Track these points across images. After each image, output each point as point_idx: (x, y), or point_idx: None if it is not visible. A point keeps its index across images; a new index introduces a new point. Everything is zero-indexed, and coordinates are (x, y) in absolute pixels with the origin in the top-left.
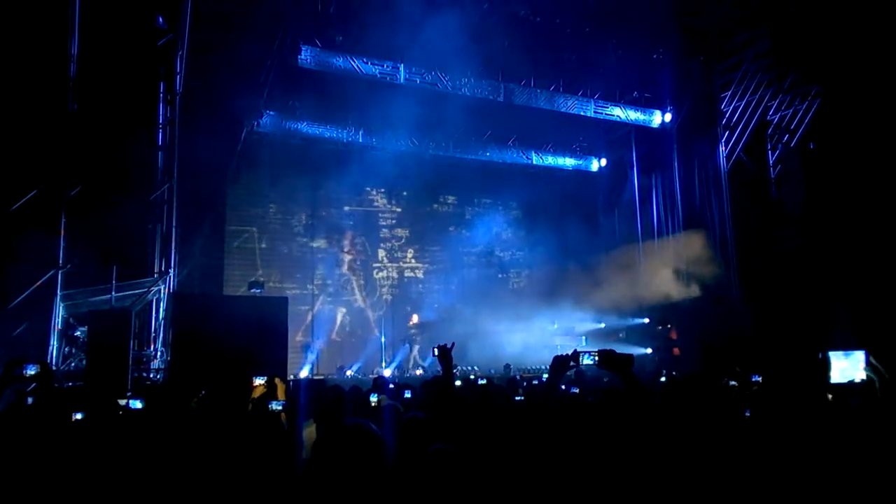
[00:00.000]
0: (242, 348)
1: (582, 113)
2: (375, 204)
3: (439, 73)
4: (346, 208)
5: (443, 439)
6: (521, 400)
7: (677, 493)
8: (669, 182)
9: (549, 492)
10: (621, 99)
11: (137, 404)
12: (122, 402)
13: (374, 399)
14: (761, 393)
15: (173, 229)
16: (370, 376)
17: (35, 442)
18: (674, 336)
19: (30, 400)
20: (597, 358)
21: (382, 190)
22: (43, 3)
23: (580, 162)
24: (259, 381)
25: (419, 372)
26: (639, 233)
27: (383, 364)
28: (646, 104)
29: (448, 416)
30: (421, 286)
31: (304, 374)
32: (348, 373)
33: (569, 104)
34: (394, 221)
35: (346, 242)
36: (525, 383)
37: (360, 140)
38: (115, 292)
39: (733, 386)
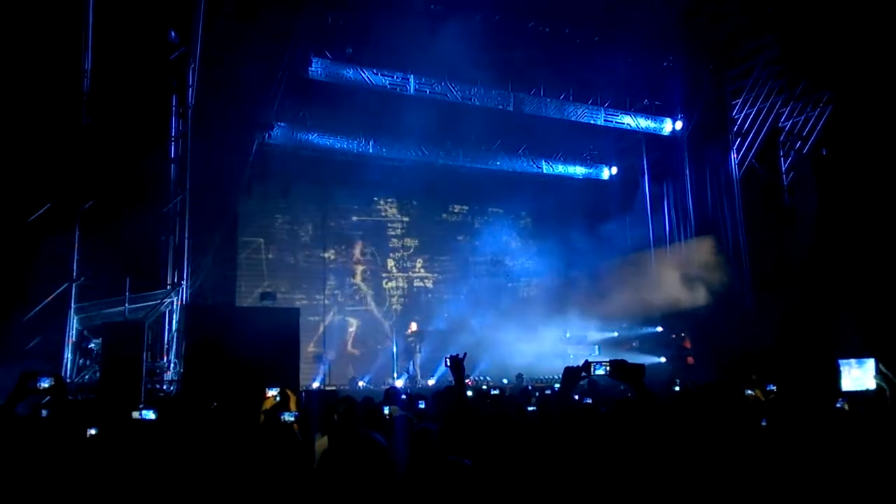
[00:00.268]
0: (255, 359)
1: (592, 121)
2: (385, 214)
3: (449, 84)
4: (356, 218)
5: (454, 451)
6: (533, 410)
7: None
8: (681, 190)
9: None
10: (632, 107)
11: (150, 415)
12: (136, 414)
13: (386, 410)
14: (777, 402)
15: (186, 241)
16: (382, 387)
17: (50, 454)
18: (688, 345)
19: (44, 413)
20: (608, 368)
21: (392, 200)
22: (56, 19)
23: (591, 170)
24: (272, 392)
25: (431, 382)
26: (651, 241)
27: (395, 375)
28: (656, 112)
29: (460, 427)
30: (430, 296)
31: (315, 385)
32: (360, 384)
33: (579, 113)
34: (403, 231)
35: (357, 253)
36: (537, 393)
37: (371, 150)
38: (129, 304)
39: (750, 395)
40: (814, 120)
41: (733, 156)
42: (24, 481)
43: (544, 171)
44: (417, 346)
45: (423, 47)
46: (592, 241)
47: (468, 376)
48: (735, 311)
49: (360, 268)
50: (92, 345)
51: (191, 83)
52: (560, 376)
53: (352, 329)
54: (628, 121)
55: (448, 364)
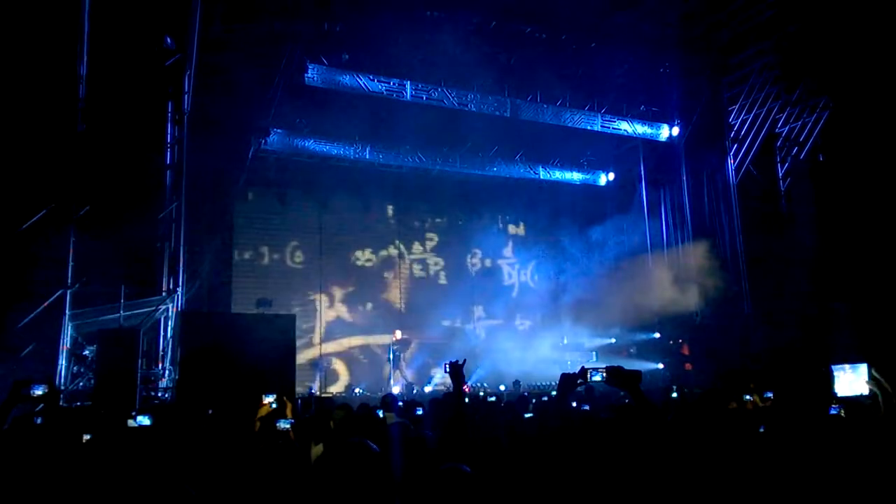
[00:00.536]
0: (251, 366)
1: (589, 127)
2: (382, 220)
3: (446, 90)
4: (353, 225)
5: (452, 457)
6: (530, 417)
7: None
8: (678, 196)
9: None
10: (628, 113)
11: (145, 420)
12: (131, 422)
13: (382, 416)
14: (775, 409)
15: (181, 247)
16: (378, 394)
17: (44, 462)
18: (685, 351)
19: (38, 420)
20: (605, 374)
21: (389, 206)
22: (52, 25)
23: (588, 176)
24: (268, 399)
25: (428, 389)
26: (648, 247)
27: (392, 381)
28: (653, 118)
29: (456, 433)
30: (426, 302)
31: (312, 391)
32: (357, 390)
33: (575, 119)
34: (400, 237)
35: (353, 259)
36: (534, 400)
37: (367, 157)
38: (124, 311)
39: (748, 401)
40: (810, 125)
41: (730, 161)
42: (19, 489)
43: (541, 176)
44: (402, 354)
45: (420, 53)
46: (589, 247)
47: (465, 383)
48: (732, 317)
49: (356, 274)
50: (86, 352)
51: (187, 89)
52: (557, 383)
53: (349, 336)
54: (625, 126)
55: (447, 370)
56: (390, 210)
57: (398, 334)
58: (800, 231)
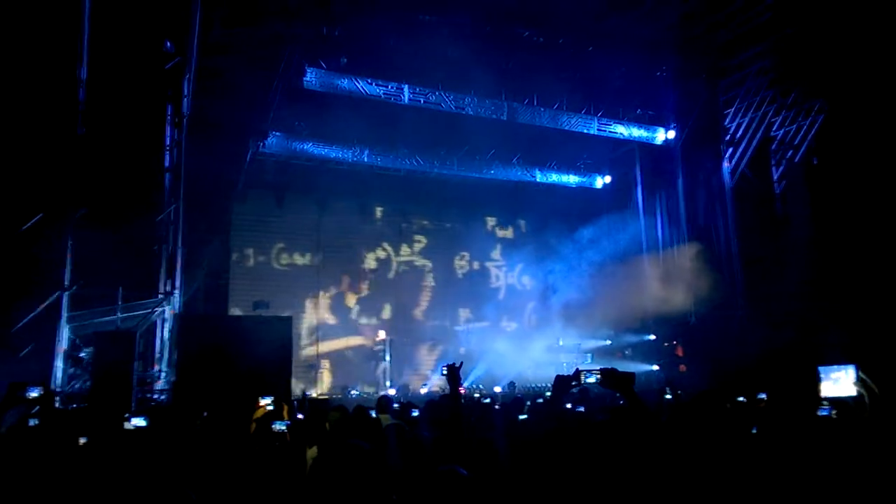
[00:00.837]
0: (247, 368)
1: (585, 130)
2: (379, 222)
3: (443, 93)
4: (350, 227)
5: (447, 459)
6: (524, 418)
7: None
8: (674, 198)
9: None
10: (625, 116)
11: (141, 422)
12: (127, 424)
13: (377, 418)
14: (767, 410)
15: (179, 250)
16: (374, 395)
17: (39, 463)
18: (680, 353)
19: (32, 422)
20: (599, 377)
21: (386, 209)
22: (52, 29)
23: (584, 179)
24: (265, 401)
25: (423, 390)
26: (644, 249)
27: (387, 383)
28: (649, 121)
29: (453, 435)
30: (422, 303)
31: (308, 393)
32: (353, 392)
33: (572, 122)
34: (396, 240)
35: (350, 261)
36: (529, 402)
37: (365, 159)
38: (121, 313)
39: (741, 402)
40: (805, 129)
41: (726, 164)
42: (15, 491)
43: (538, 179)
44: (384, 355)
45: (418, 57)
46: (585, 250)
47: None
48: (727, 318)
49: (352, 276)
50: (83, 353)
51: (186, 92)
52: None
53: (344, 338)
54: (621, 130)
55: (444, 373)
56: (387, 213)
57: (382, 334)
58: (794, 233)
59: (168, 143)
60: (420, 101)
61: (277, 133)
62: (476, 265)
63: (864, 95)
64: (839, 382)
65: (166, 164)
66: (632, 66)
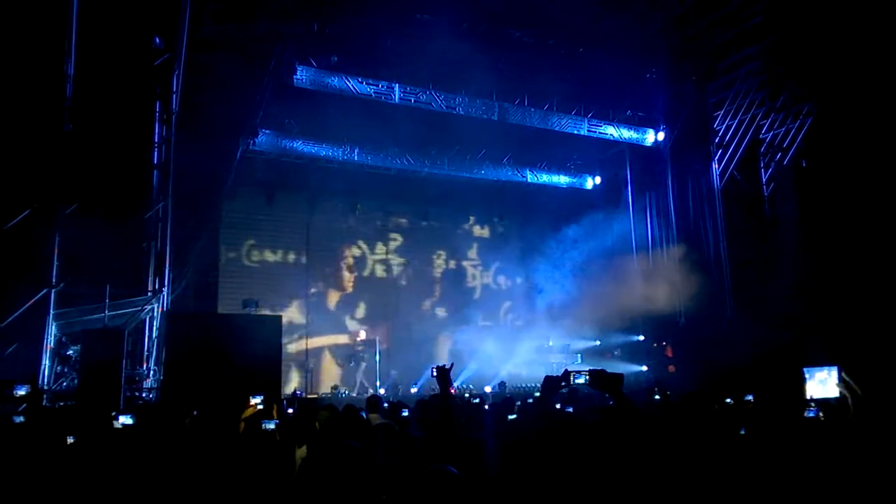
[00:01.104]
0: (236, 367)
1: (576, 131)
2: (369, 221)
3: (434, 93)
4: (340, 226)
5: (437, 459)
6: (514, 419)
7: None
8: (663, 200)
9: None
10: (615, 118)
11: (128, 420)
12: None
13: (366, 417)
14: (755, 411)
15: (167, 247)
16: (364, 395)
17: (24, 460)
18: (669, 353)
19: (17, 419)
20: (588, 378)
21: (377, 208)
22: (40, 23)
23: (575, 180)
24: (255, 399)
25: (414, 390)
26: (633, 250)
27: (378, 383)
28: (639, 123)
29: (443, 435)
30: (411, 302)
31: (297, 392)
32: (344, 391)
33: (562, 123)
34: (386, 239)
35: (339, 260)
36: (519, 402)
37: (356, 158)
38: (109, 311)
39: (728, 404)
40: (794, 132)
41: (715, 166)
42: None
43: (529, 180)
44: (364, 355)
45: (409, 56)
46: (575, 250)
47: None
48: (716, 320)
49: (342, 275)
50: (70, 352)
51: (175, 89)
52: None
53: (334, 337)
54: (611, 131)
55: (434, 374)
56: (378, 211)
57: (362, 334)
58: (782, 235)
59: (157, 139)
60: (411, 100)
61: (267, 131)
62: (473, 264)
63: (852, 99)
64: (823, 384)
65: (155, 161)
66: (622, 67)
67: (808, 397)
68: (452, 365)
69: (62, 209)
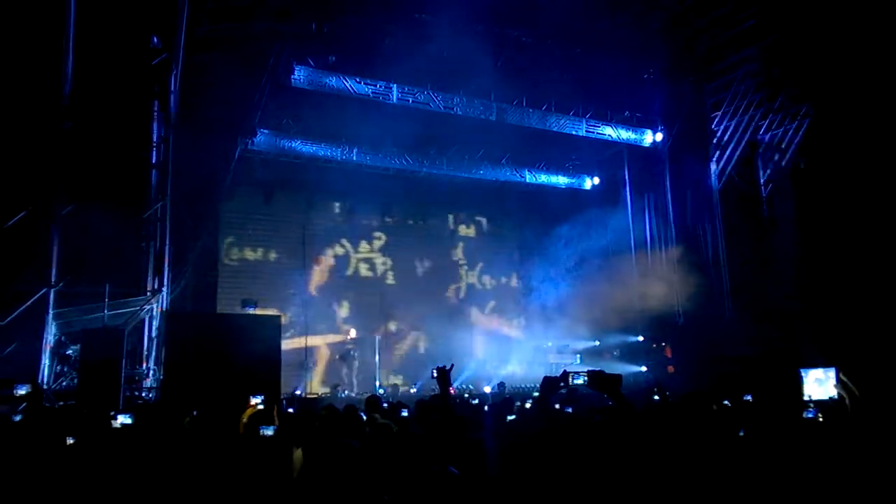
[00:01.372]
0: (236, 367)
1: (574, 132)
2: (367, 221)
3: (432, 93)
4: (338, 225)
5: (437, 459)
6: (512, 419)
7: None
8: (662, 200)
9: None
10: (613, 118)
11: (126, 419)
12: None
13: (366, 418)
14: (754, 412)
15: (166, 247)
16: (364, 395)
17: (23, 458)
18: (668, 354)
19: (16, 417)
20: (586, 378)
21: (374, 207)
22: (38, 22)
23: (573, 180)
24: (255, 399)
25: (413, 390)
26: (632, 250)
27: (378, 383)
28: (637, 124)
29: (443, 435)
30: (409, 302)
31: (297, 392)
32: (345, 392)
33: (560, 123)
34: (385, 239)
35: (338, 260)
36: (518, 402)
37: (354, 158)
38: (108, 310)
39: (726, 405)
40: (792, 133)
41: (713, 167)
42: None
43: (527, 180)
44: (355, 354)
45: (407, 56)
46: (574, 251)
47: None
48: (714, 320)
49: (340, 274)
50: (70, 351)
51: (173, 89)
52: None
53: (333, 337)
54: (609, 132)
55: (435, 375)
56: (376, 211)
57: (352, 332)
58: (780, 236)
59: (155, 139)
60: (408, 100)
61: (265, 130)
62: (472, 264)
63: (850, 100)
64: (821, 384)
65: (153, 160)
66: (620, 68)
67: (806, 398)
68: (452, 366)
69: (61, 208)
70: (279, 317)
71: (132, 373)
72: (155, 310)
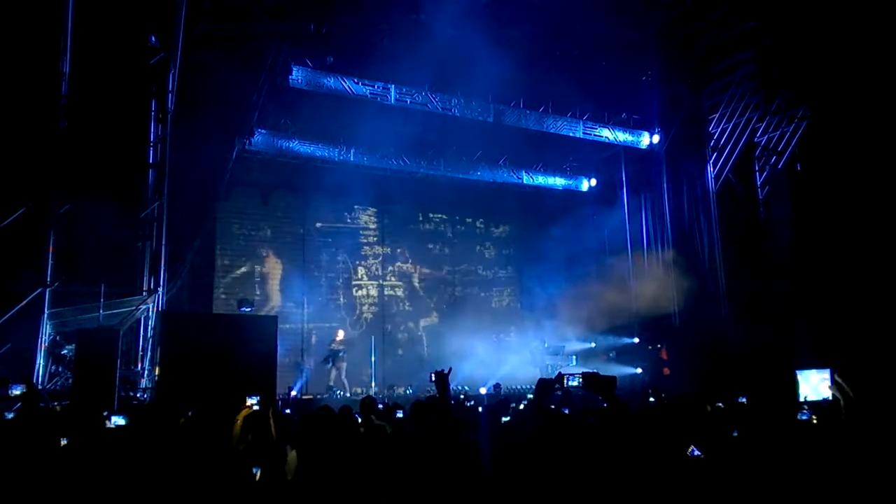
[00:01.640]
0: (232, 368)
1: (571, 134)
2: (364, 222)
3: (430, 94)
4: (336, 226)
5: (432, 460)
6: (507, 420)
7: None
8: (659, 202)
9: None
10: (610, 120)
11: (120, 420)
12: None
13: (361, 420)
14: (748, 413)
15: (163, 247)
16: (359, 396)
17: (15, 456)
18: (664, 356)
19: (9, 415)
20: (581, 380)
21: (372, 208)
22: (35, 21)
23: (570, 182)
24: (251, 400)
25: (408, 391)
26: (629, 252)
27: (373, 385)
28: (634, 126)
29: (441, 436)
30: (402, 305)
31: (293, 393)
32: (339, 393)
33: (558, 125)
34: (380, 240)
35: (336, 261)
36: (514, 404)
37: (352, 159)
38: (103, 310)
39: (720, 407)
40: (788, 135)
41: (710, 169)
42: None
43: (525, 181)
44: (343, 355)
45: (405, 57)
46: (571, 252)
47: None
48: (710, 322)
49: (339, 276)
50: (65, 351)
51: (170, 88)
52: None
53: (331, 337)
54: (606, 134)
55: (433, 379)
56: (373, 212)
57: (341, 334)
58: (777, 238)
59: (152, 138)
60: (406, 101)
61: (263, 130)
62: (468, 265)
63: (846, 102)
64: (817, 386)
65: (150, 160)
66: (617, 70)
67: (801, 399)
68: (451, 369)
69: (57, 207)
70: (275, 317)
71: (127, 373)
72: (151, 310)
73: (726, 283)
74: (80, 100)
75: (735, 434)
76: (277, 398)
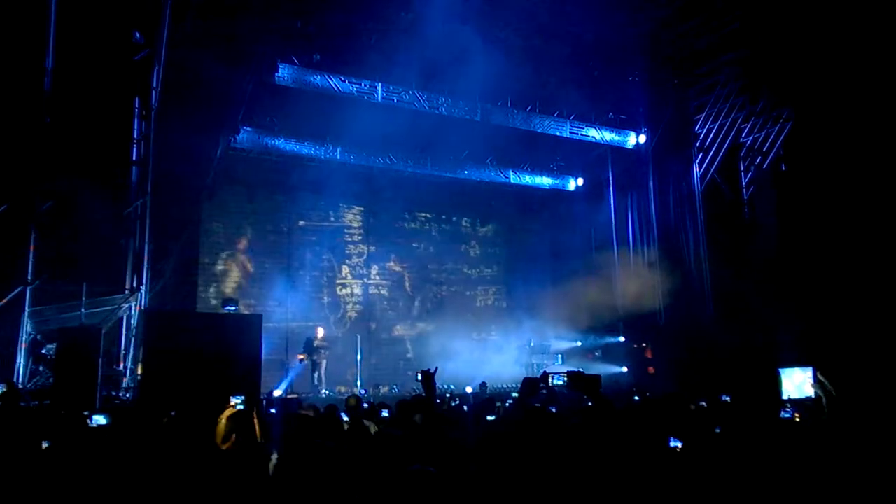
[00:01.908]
0: (215, 367)
1: (558, 133)
2: (350, 220)
3: (417, 93)
4: (321, 224)
5: (416, 459)
6: (492, 419)
7: None
8: (645, 202)
9: None
10: (596, 120)
11: (101, 420)
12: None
13: (346, 419)
14: (731, 411)
15: (146, 245)
16: (344, 395)
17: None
18: (649, 355)
19: None
20: (566, 379)
21: (358, 207)
22: (18, 16)
23: (557, 181)
24: (235, 400)
25: (390, 390)
26: (615, 251)
27: (359, 384)
28: (621, 125)
29: (424, 435)
30: (386, 303)
31: (278, 392)
32: (323, 392)
33: (545, 124)
34: (365, 238)
35: (322, 259)
36: (499, 403)
37: (338, 157)
38: (85, 309)
39: (702, 406)
40: (773, 136)
41: (695, 169)
42: None
43: (511, 181)
44: (324, 353)
45: (392, 55)
46: (557, 251)
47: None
48: (695, 321)
49: (323, 274)
50: (45, 350)
51: (155, 85)
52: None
53: (316, 336)
54: (593, 133)
55: (419, 379)
56: (359, 210)
57: (321, 332)
58: (761, 237)
59: (136, 135)
60: (393, 99)
61: (249, 128)
62: (453, 265)
63: (831, 104)
64: (799, 384)
65: (134, 157)
66: (604, 70)
67: (784, 397)
68: (437, 369)
69: (39, 204)
70: (260, 316)
71: (109, 372)
72: (133, 308)
73: (711, 282)
74: (63, 96)
75: (717, 431)
76: (262, 397)
